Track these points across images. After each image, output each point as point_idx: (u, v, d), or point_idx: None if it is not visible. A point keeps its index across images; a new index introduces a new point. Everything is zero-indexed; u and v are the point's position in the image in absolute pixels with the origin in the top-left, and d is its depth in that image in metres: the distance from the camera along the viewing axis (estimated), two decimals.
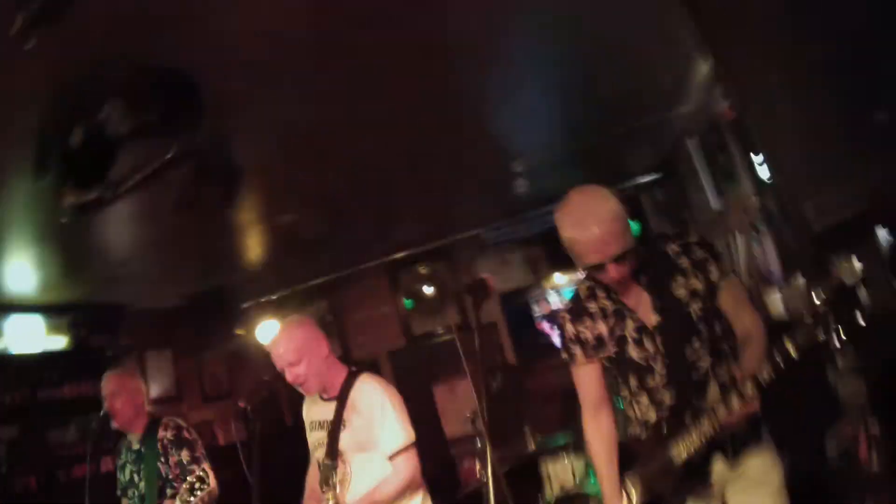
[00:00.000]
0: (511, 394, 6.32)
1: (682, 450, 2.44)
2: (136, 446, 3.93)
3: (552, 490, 5.12)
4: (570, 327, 2.65)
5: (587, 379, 2.67)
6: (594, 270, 2.40)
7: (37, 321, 5.03)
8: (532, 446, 5.10)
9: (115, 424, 3.94)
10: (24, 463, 4.69)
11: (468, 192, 5.65)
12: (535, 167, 5.35)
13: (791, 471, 2.63)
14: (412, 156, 4.23)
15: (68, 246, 3.97)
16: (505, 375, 6.68)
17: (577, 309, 2.65)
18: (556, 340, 7.38)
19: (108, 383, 3.91)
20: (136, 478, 3.88)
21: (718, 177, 5.14)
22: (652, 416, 2.58)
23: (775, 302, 4.03)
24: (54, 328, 5.05)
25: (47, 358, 5.08)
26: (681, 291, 2.47)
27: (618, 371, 2.65)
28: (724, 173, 4.98)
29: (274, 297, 6.93)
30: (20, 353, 4.97)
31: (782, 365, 2.22)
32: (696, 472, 2.47)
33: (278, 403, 5.61)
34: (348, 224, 5.35)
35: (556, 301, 7.44)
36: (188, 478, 3.30)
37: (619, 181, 6.41)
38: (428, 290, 7.27)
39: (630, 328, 2.54)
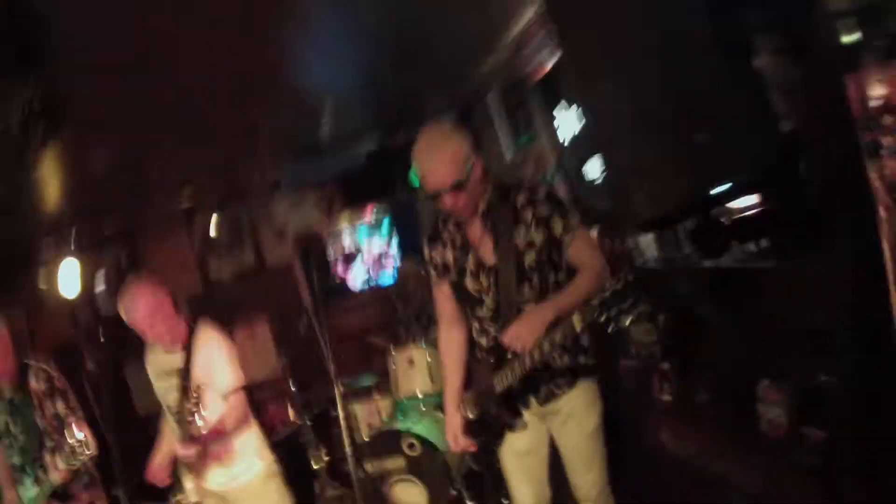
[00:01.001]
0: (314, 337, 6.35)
1: (501, 381, 2.72)
2: (7, 395, 3.73)
3: (360, 430, 5.31)
4: (426, 250, 2.95)
5: (440, 297, 2.98)
6: (433, 198, 2.64)
7: None
8: (339, 389, 5.19)
9: None
10: None
11: (264, 133, 5.54)
12: (332, 109, 5.40)
13: None
14: (211, 99, 4.14)
15: None
16: (308, 318, 6.69)
17: (433, 235, 2.92)
18: (351, 282, 7.52)
19: None
20: (11, 428, 3.73)
21: (516, 130, 5.47)
22: (483, 341, 2.85)
23: None
24: None
25: None
26: (520, 241, 2.68)
27: (457, 296, 2.91)
28: (522, 127, 5.31)
29: (73, 244, 6.47)
30: None
31: (577, 330, 2.47)
32: (511, 405, 2.76)
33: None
34: (146, 169, 5.13)
35: (350, 241, 7.54)
36: (70, 442, 3.40)
37: (415, 124, 6.52)
38: (223, 233, 7.06)
39: (470, 261, 2.79)
